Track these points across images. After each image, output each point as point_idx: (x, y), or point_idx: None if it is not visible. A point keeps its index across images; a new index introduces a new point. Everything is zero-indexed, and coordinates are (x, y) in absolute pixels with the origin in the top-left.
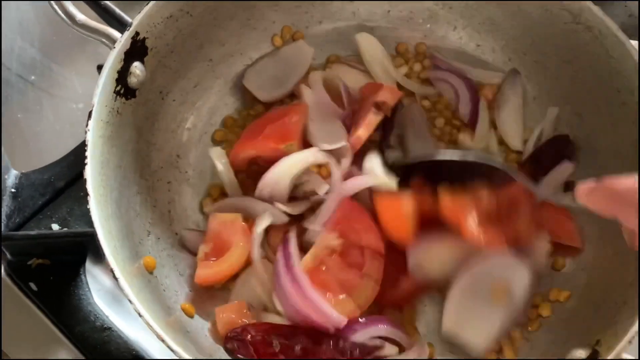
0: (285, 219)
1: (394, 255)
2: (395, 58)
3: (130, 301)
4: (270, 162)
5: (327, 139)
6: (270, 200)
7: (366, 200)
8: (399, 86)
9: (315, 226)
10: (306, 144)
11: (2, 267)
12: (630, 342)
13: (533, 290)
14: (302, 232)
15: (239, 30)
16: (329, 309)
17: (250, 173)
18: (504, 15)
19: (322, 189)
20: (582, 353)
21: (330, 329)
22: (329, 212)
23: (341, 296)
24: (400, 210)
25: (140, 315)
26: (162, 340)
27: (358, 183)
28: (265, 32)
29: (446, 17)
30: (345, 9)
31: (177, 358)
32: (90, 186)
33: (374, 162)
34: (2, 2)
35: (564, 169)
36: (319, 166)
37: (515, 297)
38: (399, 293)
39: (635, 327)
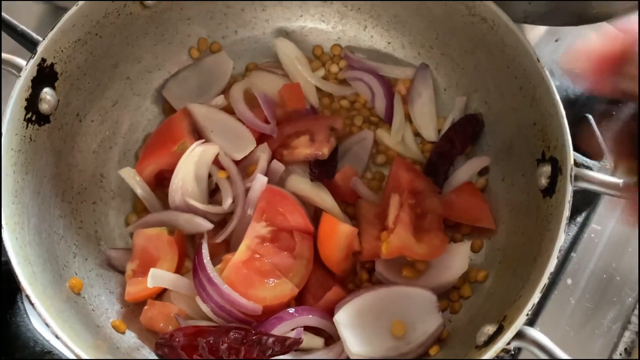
0: (209, 225)
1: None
2: (312, 61)
3: (47, 324)
4: (173, 167)
5: (236, 147)
6: (186, 206)
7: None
8: (318, 90)
9: (221, 239)
10: None
11: None
12: (528, 315)
13: (434, 337)
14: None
15: (154, 46)
16: (243, 301)
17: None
18: (408, 12)
19: (226, 202)
20: (490, 329)
21: (250, 319)
22: (230, 230)
23: (278, 280)
24: (336, 239)
25: (57, 337)
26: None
27: (257, 190)
28: (181, 45)
29: (356, 18)
30: (259, 17)
31: None
32: (3, 216)
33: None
34: None
35: (482, 161)
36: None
37: (413, 338)
38: (325, 303)
39: (533, 300)
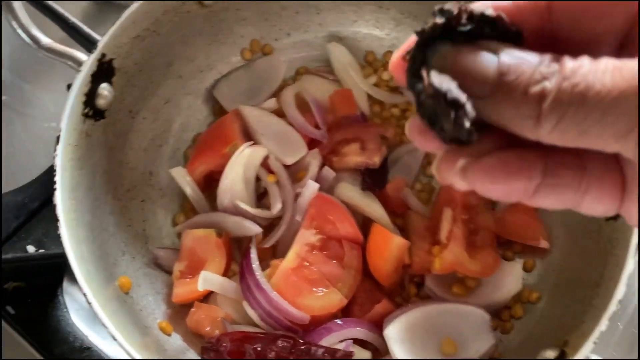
0: (258, 229)
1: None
2: (364, 67)
3: (104, 325)
4: (223, 168)
5: (287, 151)
6: (234, 209)
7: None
8: (369, 97)
9: (269, 244)
10: None
11: None
12: (595, 342)
13: (486, 358)
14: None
15: (208, 45)
16: (291, 309)
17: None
18: None
19: (275, 207)
20: (551, 354)
21: (297, 328)
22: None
23: (327, 289)
24: (388, 251)
25: (114, 339)
26: None
27: (307, 197)
28: (234, 46)
29: (412, 25)
30: (312, 21)
31: None
32: (60, 211)
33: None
34: None
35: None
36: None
37: (464, 357)
38: (373, 316)
39: (600, 327)
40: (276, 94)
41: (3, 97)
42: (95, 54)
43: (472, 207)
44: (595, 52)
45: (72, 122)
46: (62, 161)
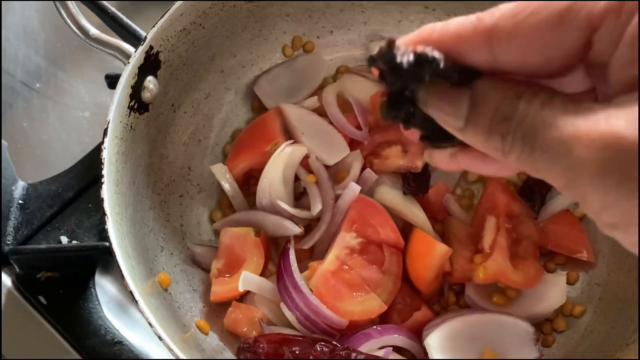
0: (297, 230)
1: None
2: None
3: (150, 324)
4: (264, 166)
5: (328, 151)
6: (273, 208)
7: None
8: None
9: (308, 246)
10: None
11: (11, 281)
12: None
13: None
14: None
15: (251, 41)
16: (330, 313)
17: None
18: None
19: (315, 208)
20: None
21: (334, 332)
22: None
23: (366, 294)
24: (430, 258)
25: (160, 339)
26: None
27: (348, 199)
28: (276, 42)
29: None
30: (356, 19)
31: None
32: (107, 206)
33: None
34: (4, 6)
35: None
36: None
37: None
38: (412, 323)
39: None
40: (317, 92)
41: (37, 85)
42: (143, 47)
43: (515, 215)
44: (553, 76)
45: (118, 114)
46: (109, 155)
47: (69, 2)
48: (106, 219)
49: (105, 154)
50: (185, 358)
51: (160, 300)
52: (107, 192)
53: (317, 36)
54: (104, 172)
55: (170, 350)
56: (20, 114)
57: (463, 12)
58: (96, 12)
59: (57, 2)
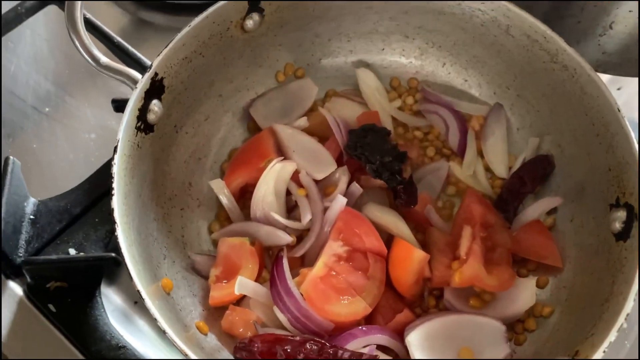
0: (288, 239)
1: (392, 293)
2: (389, 92)
3: (155, 319)
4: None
5: (316, 167)
6: (266, 219)
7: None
8: (394, 120)
9: (299, 254)
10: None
11: (22, 290)
12: (604, 351)
13: None
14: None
15: (247, 68)
16: (317, 317)
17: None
18: (489, 54)
19: (305, 218)
20: None
21: (323, 334)
22: (308, 246)
23: (352, 297)
24: (409, 264)
25: (164, 333)
26: (185, 355)
27: (336, 210)
28: (270, 69)
29: (436, 55)
30: (343, 48)
31: None
32: (117, 215)
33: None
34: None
35: (553, 201)
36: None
37: None
38: (395, 324)
39: (610, 338)
40: (307, 114)
41: (46, 109)
42: (150, 73)
43: (490, 225)
44: None
45: (127, 134)
46: (118, 169)
47: (82, 33)
48: (116, 227)
49: (115, 169)
50: (185, 349)
51: (163, 302)
52: (117, 203)
53: (307, 63)
54: (114, 185)
55: (175, 343)
56: (30, 136)
57: (440, 40)
58: (103, 40)
59: (71, 34)
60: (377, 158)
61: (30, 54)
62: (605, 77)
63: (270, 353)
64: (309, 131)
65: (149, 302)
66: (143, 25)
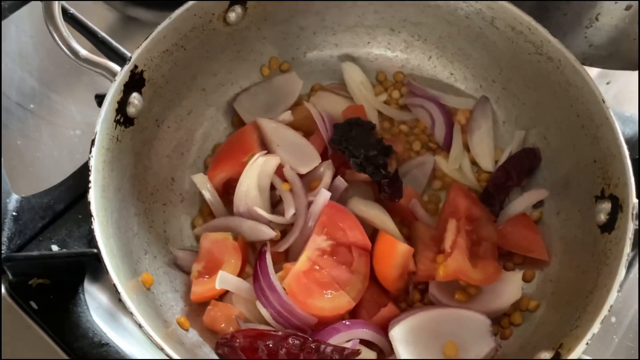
0: (272, 233)
1: (376, 287)
2: (375, 86)
3: (131, 312)
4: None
5: (301, 161)
6: (250, 214)
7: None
8: (380, 114)
9: (282, 248)
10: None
11: (4, 287)
12: (587, 343)
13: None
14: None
15: (230, 61)
16: (301, 312)
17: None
18: (474, 47)
19: (288, 213)
20: (546, 355)
21: (306, 328)
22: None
23: (336, 292)
24: (393, 257)
25: (140, 327)
26: (162, 349)
27: (320, 204)
28: (254, 63)
29: (421, 48)
30: (328, 41)
31: None
32: (93, 208)
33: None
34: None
35: (539, 194)
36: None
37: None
38: (379, 319)
39: (593, 330)
40: (292, 108)
41: (31, 106)
42: (129, 66)
43: (475, 219)
44: None
45: (105, 127)
46: (96, 162)
47: (60, 26)
48: (92, 220)
49: (92, 162)
50: (162, 343)
51: (142, 297)
52: (94, 196)
53: (292, 57)
54: (91, 177)
55: (150, 337)
56: (15, 133)
57: (426, 33)
58: (87, 36)
59: (49, 26)
60: (361, 152)
61: (15, 51)
62: (594, 72)
63: (252, 349)
64: (293, 126)
65: (124, 296)
66: (130, 23)
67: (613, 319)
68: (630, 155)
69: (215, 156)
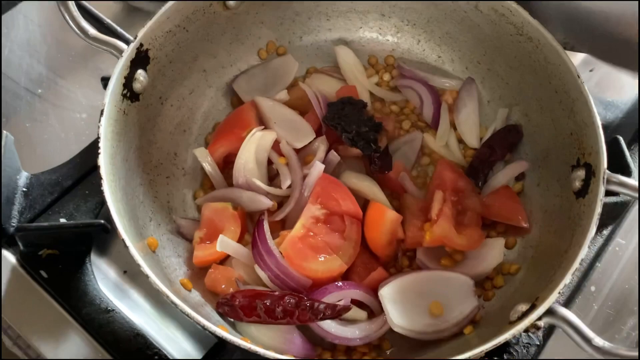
0: (269, 203)
1: (367, 253)
2: (367, 69)
3: (138, 264)
4: None
5: (296, 137)
6: (248, 186)
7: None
8: (371, 95)
9: (279, 217)
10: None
11: (15, 258)
12: (560, 293)
13: (469, 319)
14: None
15: (230, 44)
16: (296, 274)
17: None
18: (460, 30)
19: (284, 184)
20: (523, 307)
21: (301, 289)
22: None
23: (329, 256)
24: (383, 224)
25: (147, 277)
26: (167, 297)
27: (314, 176)
28: (252, 47)
29: (411, 32)
30: (322, 26)
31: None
32: (103, 171)
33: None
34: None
35: (520, 166)
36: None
37: (449, 317)
38: (369, 281)
39: (565, 281)
40: (288, 89)
41: (39, 90)
42: (135, 43)
43: (461, 190)
44: None
45: (113, 99)
46: (105, 131)
47: (71, 6)
48: (102, 181)
49: (101, 131)
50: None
51: (148, 258)
52: (104, 160)
53: (288, 41)
54: (101, 144)
55: (157, 286)
56: (24, 116)
57: (415, 18)
58: (92, 22)
59: (60, 7)
60: (353, 128)
61: (24, 39)
62: (577, 59)
63: (250, 307)
64: (289, 104)
65: (132, 250)
66: (133, 12)
67: (592, 288)
68: (608, 138)
69: (215, 132)
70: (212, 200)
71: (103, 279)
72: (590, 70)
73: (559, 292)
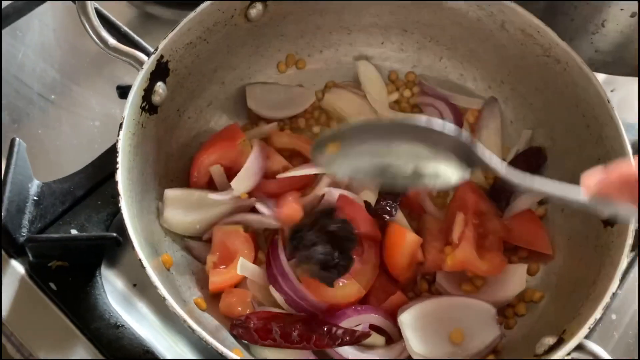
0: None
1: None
2: (387, 85)
3: (155, 286)
4: (232, 163)
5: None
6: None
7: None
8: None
9: None
10: None
11: (24, 269)
12: (590, 328)
13: (490, 348)
14: None
15: (249, 56)
16: (313, 299)
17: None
18: (484, 49)
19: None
20: (550, 340)
21: (318, 312)
22: None
23: (347, 280)
24: (403, 247)
25: (164, 299)
26: (184, 321)
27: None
28: (271, 59)
29: (433, 49)
30: (343, 40)
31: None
32: (121, 187)
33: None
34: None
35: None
36: None
37: (470, 346)
38: (388, 306)
39: (595, 315)
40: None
41: (52, 96)
42: (155, 55)
43: (482, 213)
44: None
45: (132, 112)
46: (123, 145)
47: (92, 16)
48: (120, 198)
49: (120, 144)
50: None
51: (163, 276)
52: (121, 176)
53: (308, 54)
54: (119, 159)
55: (174, 309)
56: (36, 122)
57: (438, 35)
58: (110, 30)
59: (81, 16)
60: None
61: (38, 43)
62: (600, 78)
63: (265, 330)
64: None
65: (149, 269)
66: (150, 20)
67: (613, 317)
68: None
69: (203, 146)
70: (223, 223)
71: (112, 291)
72: (612, 91)
73: (589, 327)
